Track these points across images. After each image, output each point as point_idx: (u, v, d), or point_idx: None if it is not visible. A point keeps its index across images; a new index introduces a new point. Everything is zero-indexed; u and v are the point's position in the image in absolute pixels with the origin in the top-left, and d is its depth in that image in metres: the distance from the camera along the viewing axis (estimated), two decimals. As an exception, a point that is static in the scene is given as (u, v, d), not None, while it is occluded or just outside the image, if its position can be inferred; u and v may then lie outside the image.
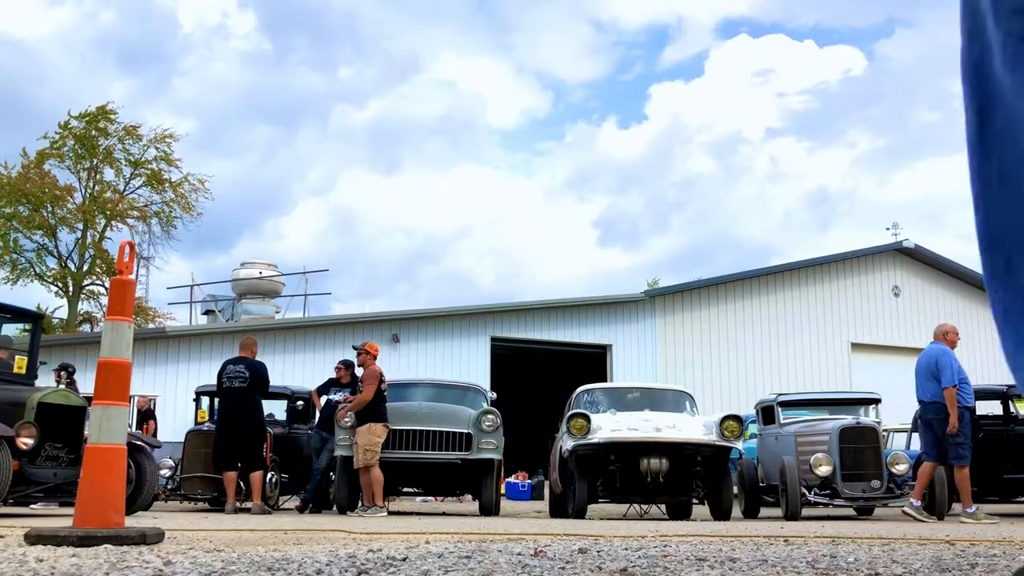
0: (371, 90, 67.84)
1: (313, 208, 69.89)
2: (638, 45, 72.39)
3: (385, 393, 9.14)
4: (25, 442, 6.79)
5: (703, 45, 70.64)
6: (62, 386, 10.55)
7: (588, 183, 73.97)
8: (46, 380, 11.22)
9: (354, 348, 9.60)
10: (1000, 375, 11.85)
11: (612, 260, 72.15)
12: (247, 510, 9.25)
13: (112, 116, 31.96)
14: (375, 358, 9.21)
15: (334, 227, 69.19)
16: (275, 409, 12.07)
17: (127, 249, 4.18)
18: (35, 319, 8.55)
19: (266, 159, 62.95)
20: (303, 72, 65.13)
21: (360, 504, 8.87)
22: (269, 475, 10.03)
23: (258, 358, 9.97)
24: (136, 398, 18.56)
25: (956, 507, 8.60)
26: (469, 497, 10.78)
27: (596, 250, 72.91)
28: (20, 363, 8.09)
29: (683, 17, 69.74)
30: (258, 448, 9.54)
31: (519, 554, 3.10)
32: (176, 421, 15.09)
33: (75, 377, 11.25)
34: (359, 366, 9.41)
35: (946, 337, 8.40)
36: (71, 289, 31.84)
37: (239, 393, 9.44)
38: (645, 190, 74.20)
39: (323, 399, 10.63)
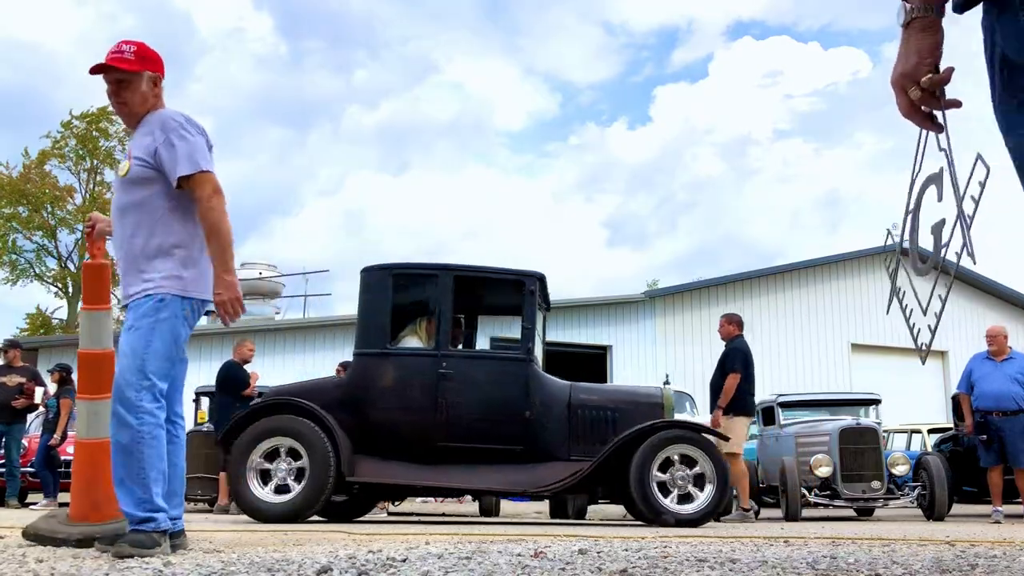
0: (383, 92, 67.96)
1: (321, 209, 69.94)
2: (647, 47, 72.37)
3: None
4: None
5: (712, 47, 70.65)
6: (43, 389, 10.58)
7: (597, 184, 73.91)
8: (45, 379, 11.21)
9: None
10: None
11: (621, 261, 71.98)
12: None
13: (113, 117, 31.98)
14: None
15: (342, 228, 69.24)
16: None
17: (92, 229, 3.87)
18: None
19: (277, 160, 63.09)
20: (316, 74, 65.34)
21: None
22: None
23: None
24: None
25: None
26: (469, 498, 10.78)
27: (605, 251, 72.83)
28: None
29: (693, 19, 69.77)
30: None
31: (519, 555, 3.09)
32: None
33: (72, 377, 11.24)
34: None
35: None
36: (71, 290, 31.84)
37: (214, 395, 10.10)
38: (654, 191, 74.15)
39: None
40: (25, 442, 10.78)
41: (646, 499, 6.19)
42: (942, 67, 1.61)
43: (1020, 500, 8.33)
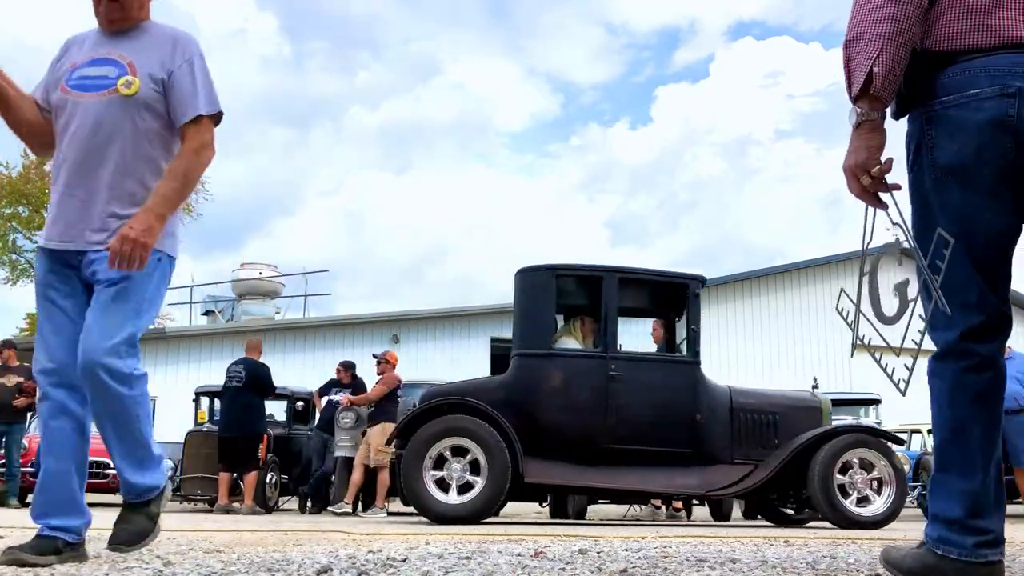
0: (385, 93, 68.03)
1: (323, 209, 69.91)
2: (649, 48, 72.43)
3: (400, 398, 9.35)
4: None
5: (714, 48, 70.70)
6: None
7: (599, 185, 73.85)
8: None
9: (374, 356, 9.72)
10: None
11: (624, 262, 71.60)
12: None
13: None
14: (394, 367, 9.46)
15: (343, 228, 69.20)
16: (275, 410, 12.07)
17: None
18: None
19: (279, 161, 63.13)
20: (319, 75, 65.45)
21: (373, 505, 8.92)
22: (269, 476, 10.04)
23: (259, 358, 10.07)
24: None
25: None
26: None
27: (608, 252, 72.72)
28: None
29: (695, 20, 69.86)
30: (251, 448, 9.58)
31: (519, 555, 3.09)
32: (176, 422, 15.07)
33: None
34: (378, 375, 9.50)
35: None
36: (71, 290, 31.84)
37: (233, 392, 9.63)
38: (656, 192, 74.07)
39: (324, 400, 10.66)
40: (25, 442, 10.78)
41: (830, 502, 6.34)
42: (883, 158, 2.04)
43: (1020, 500, 8.33)
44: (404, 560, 2.85)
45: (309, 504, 10.48)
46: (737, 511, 9.55)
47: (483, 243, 71.89)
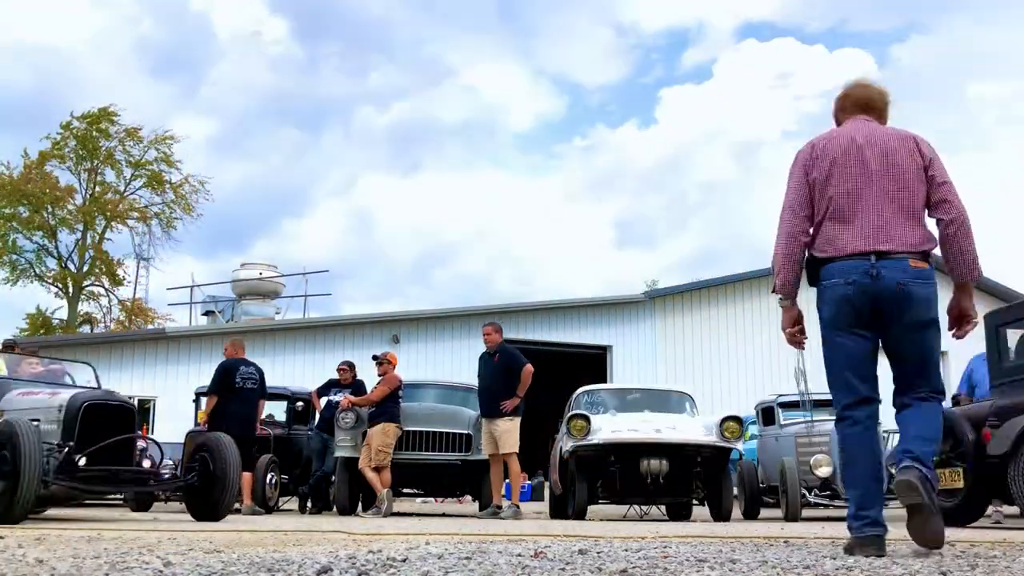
0: (394, 94, 68.07)
1: (331, 210, 69.91)
2: (657, 49, 72.55)
3: (401, 399, 9.36)
4: None
5: (722, 49, 70.80)
6: None
7: (606, 185, 73.81)
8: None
9: (374, 358, 9.71)
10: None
11: (630, 262, 71.75)
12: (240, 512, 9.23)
13: (113, 117, 32.02)
14: (394, 367, 9.48)
15: (351, 229, 69.20)
16: (275, 410, 12.06)
17: None
18: None
19: (288, 162, 63.17)
20: (329, 76, 65.55)
21: (373, 505, 8.91)
22: (269, 476, 10.03)
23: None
24: (135, 399, 18.55)
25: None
26: (469, 498, 10.80)
27: (614, 252, 72.66)
28: None
29: (703, 21, 70.06)
30: (252, 449, 9.58)
31: (519, 555, 3.09)
32: (176, 422, 15.06)
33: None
34: (379, 376, 9.49)
35: None
36: (71, 290, 31.85)
37: (248, 394, 9.56)
38: (663, 192, 74.02)
39: (323, 400, 10.65)
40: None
41: None
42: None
43: None
44: (404, 560, 2.85)
45: (309, 504, 10.48)
46: (737, 511, 9.55)
47: (489, 243, 71.92)
